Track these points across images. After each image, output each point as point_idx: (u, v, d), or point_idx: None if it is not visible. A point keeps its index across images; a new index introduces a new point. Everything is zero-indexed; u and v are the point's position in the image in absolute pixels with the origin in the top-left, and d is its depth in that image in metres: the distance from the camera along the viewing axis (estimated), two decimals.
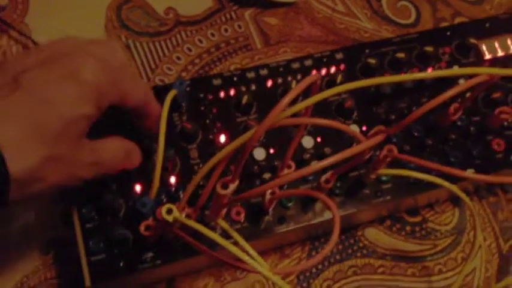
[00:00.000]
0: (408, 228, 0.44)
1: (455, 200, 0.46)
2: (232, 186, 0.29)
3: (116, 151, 0.33)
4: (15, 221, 0.39)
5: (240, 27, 0.50)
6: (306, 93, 0.28)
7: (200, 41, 0.49)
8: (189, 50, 0.49)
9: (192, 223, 0.29)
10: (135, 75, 0.35)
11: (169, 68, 0.48)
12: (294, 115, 0.27)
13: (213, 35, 0.50)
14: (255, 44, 0.50)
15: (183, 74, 0.48)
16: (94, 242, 0.34)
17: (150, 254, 0.34)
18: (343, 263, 0.42)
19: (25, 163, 0.27)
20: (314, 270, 0.42)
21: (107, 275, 0.34)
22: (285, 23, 0.51)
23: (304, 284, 0.41)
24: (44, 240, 0.40)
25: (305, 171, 0.27)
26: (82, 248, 0.34)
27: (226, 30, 0.50)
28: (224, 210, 0.33)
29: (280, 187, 0.37)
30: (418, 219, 0.45)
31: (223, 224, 0.33)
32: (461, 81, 0.43)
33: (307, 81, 0.27)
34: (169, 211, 0.29)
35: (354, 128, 0.40)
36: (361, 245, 0.43)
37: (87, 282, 0.33)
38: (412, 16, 0.54)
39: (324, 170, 0.35)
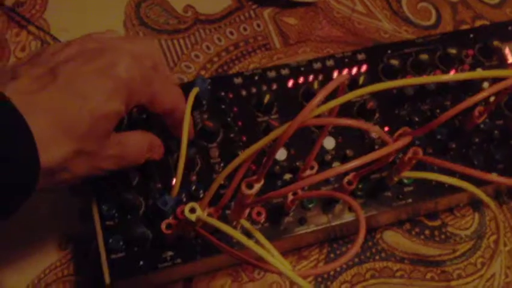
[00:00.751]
0: (427, 232, 0.44)
1: (475, 205, 0.45)
2: (257, 186, 0.29)
3: (140, 145, 0.33)
4: (33, 217, 0.39)
5: (259, 26, 0.50)
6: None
7: (219, 39, 0.49)
8: (208, 48, 0.48)
9: (216, 222, 0.28)
10: (169, 78, 0.35)
11: (188, 66, 0.47)
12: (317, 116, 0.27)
13: (231, 33, 0.49)
14: (274, 43, 0.50)
15: (202, 72, 0.47)
16: (114, 240, 0.34)
17: (170, 253, 0.34)
18: (361, 265, 0.42)
19: (55, 154, 0.27)
20: (332, 272, 0.41)
21: (127, 273, 0.33)
22: (304, 22, 0.51)
23: (322, 286, 0.41)
24: (62, 236, 0.39)
25: (331, 172, 0.27)
26: (102, 246, 0.34)
27: (245, 29, 0.50)
28: (247, 211, 0.32)
29: (302, 188, 0.37)
30: (437, 223, 0.44)
31: (246, 224, 0.32)
32: (485, 84, 0.42)
33: (337, 80, 0.26)
34: (192, 210, 0.29)
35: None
36: (379, 248, 0.43)
37: (107, 280, 0.33)
38: (433, 18, 0.53)
39: (346, 171, 0.35)
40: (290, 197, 0.34)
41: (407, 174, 0.36)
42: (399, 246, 0.43)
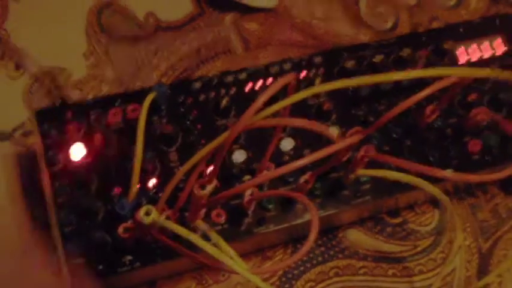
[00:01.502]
0: (389, 229, 0.45)
1: (435, 201, 0.46)
2: (209, 187, 0.29)
3: None
4: None
5: (220, 32, 0.51)
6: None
7: (180, 45, 0.50)
8: (170, 55, 0.49)
9: (169, 224, 0.29)
10: None
11: (149, 73, 0.48)
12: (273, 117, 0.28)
13: (193, 39, 0.50)
14: (234, 49, 0.50)
15: (163, 79, 0.48)
16: (72, 246, 0.34)
17: (129, 257, 0.34)
18: (325, 264, 0.42)
19: None
20: (296, 271, 0.42)
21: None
22: (265, 28, 0.52)
23: (287, 286, 0.41)
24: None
25: (280, 170, 0.28)
26: (61, 252, 0.34)
27: (206, 35, 0.50)
28: (203, 212, 0.33)
29: (260, 188, 0.37)
30: (398, 220, 0.45)
31: (202, 225, 0.33)
32: None
33: (281, 81, 0.27)
34: (147, 212, 0.29)
35: (333, 130, 0.41)
36: (343, 246, 0.43)
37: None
38: (390, 21, 0.55)
39: (303, 171, 0.36)
40: (247, 197, 0.35)
41: (362, 172, 0.37)
42: (362, 244, 0.44)
